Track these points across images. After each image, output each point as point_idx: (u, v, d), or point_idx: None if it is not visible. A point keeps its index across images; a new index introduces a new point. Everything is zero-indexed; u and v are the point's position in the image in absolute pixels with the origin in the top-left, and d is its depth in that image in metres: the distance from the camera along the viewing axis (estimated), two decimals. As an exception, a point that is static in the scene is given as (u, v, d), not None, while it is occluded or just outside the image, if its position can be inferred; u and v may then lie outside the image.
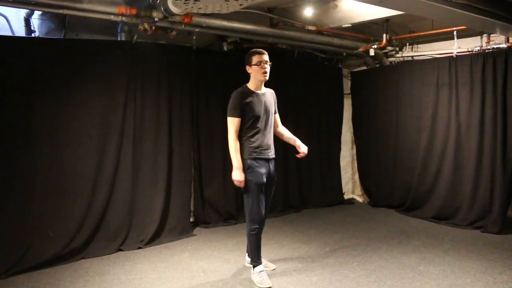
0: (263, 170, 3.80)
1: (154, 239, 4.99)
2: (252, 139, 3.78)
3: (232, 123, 3.76)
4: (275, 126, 4.09)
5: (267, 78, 3.82)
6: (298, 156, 4.02)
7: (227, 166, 5.75)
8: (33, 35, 4.53)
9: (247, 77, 3.88)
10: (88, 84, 4.65)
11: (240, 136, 3.81)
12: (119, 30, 4.90)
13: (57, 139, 4.46)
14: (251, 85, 3.86)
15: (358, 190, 7.53)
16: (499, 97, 5.32)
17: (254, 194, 3.76)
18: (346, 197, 7.37)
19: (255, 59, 3.79)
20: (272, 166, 3.93)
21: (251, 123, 3.78)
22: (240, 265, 4.30)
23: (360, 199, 7.40)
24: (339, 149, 7.31)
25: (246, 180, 3.75)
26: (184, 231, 5.30)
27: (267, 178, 3.85)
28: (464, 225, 5.51)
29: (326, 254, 4.61)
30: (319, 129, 6.95)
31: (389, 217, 6.21)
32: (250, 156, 3.77)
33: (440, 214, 5.83)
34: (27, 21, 4.42)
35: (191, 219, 5.66)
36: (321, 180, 6.94)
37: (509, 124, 5.26)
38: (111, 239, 4.74)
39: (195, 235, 5.33)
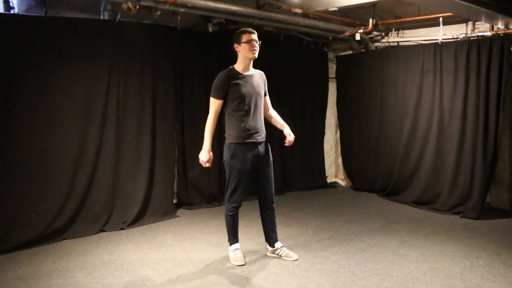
0: (248, 156, 3.74)
1: (137, 220, 4.99)
2: (240, 122, 3.71)
3: (213, 104, 3.74)
4: (265, 109, 3.98)
5: (256, 56, 3.71)
6: (285, 144, 3.88)
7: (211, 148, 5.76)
8: (12, 11, 4.39)
9: (232, 59, 3.82)
10: (70, 64, 4.55)
11: (229, 118, 3.77)
12: (102, 9, 4.81)
13: (38, 119, 4.38)
14: (238, 66, 3.76)
15: (341, 174, 7.59)
16: (482, 85, 5.36)
17: (236, 179, 3.76)
18: (329, 180, 7.43)
19: (244, 37, 3.68)
20: (262, 149, 3.84)
21: (237, 104, 3.69)
22: (222, 247, 4.31)
23: (342, 183, 7.46)
24: (323, 133, 7.35)
25: (229, 165, 3.75)
26: (167, 212, 5.30)
27: (256, 162, 3.80)
28: (444, 210, 5.61)
29: (308, 237, 4.66)
30: (303, 113, 6.95)
31: (371, 201, 6.28)
32: (236, 141, 3.73)
33: (421, 199, 5.92)
34: (6, -4, 4.30)
35: (174, 201, 5.66)
36: (304, 164, 6.97)
37: (491, 112, 5.31)
38: (93, 220, 4.72)
39: (178, 216, 5.33)
